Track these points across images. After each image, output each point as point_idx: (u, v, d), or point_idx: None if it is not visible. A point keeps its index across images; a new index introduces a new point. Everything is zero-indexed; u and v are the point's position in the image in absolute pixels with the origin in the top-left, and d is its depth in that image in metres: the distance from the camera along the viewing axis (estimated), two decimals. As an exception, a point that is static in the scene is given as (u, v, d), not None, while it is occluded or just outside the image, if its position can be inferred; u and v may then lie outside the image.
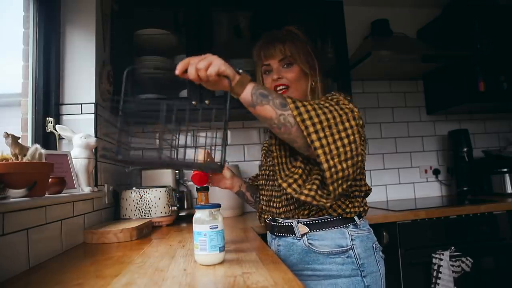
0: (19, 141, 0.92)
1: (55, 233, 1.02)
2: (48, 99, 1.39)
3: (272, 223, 1.07)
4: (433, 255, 1.60)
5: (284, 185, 0.90)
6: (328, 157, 0.78)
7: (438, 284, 1.57)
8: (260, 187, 1.17)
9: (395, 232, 1.63)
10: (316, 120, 0.79)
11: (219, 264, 0.80)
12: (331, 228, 0.97)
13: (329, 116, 0.80)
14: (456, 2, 2.20)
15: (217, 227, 0.80)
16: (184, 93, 1.83)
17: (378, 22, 2.25)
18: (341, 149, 0.79)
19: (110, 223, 1.38)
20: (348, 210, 0.97)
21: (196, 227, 0.81)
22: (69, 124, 1.40)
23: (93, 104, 1.45)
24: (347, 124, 0.81)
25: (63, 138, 1.37)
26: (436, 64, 2.17)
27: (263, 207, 1.12)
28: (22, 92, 1.36)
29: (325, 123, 0.79)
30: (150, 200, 1.52)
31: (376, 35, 2.20)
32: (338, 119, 0.80)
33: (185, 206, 1.93)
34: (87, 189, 1.27)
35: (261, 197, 1.14)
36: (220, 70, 0.79)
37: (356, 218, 0.99)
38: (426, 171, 2.41)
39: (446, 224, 1.69)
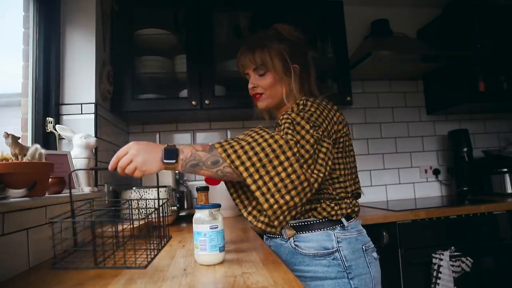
0: (19, 141, 0.92)
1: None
2: (48, 99, 1.39)
3: None
4: (433, 255, 1.60)
5: (245, 214, 0.94)
6: (267, 196, 0.79)
7: (438, 284, 1.57)
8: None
9: (395, 232, 1.64)
10: (248, 164, 0.79)
11: (219, 264, 0.80)
12: (317, 230, 0.97)
13: (262, 155, 0.79)
14: (456, 2, 2.20)
15: (217, 227, 0.80)
16: (184, 93, 1.83)
17: (378, 22, 2.25)
18: (279, 184, 0.79)
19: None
20: (333, 212, 0.97)
21: (196, 227, 0.81)
22: (69, 124, 1.40)
23: (93, 104, 1.45)
24: (282, 158, 0.79)
25: (63, 138, 1.37)
26: (436, 64, 2.17)
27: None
28: (22, 92, 1.36)
29: (258, 164, 0.79)
30: (150, 200, 1.52)
31: (376, 35, 2.20)
32: (271, 155, 0.79)
33: (185, 206, 1.93)
34: (87, 189, 1.27)
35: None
36: (141, 171, 0.80)
37: (343, 220, 0.98)
38: (426, 171, 2.41)
39: (446, 224, 1.69)
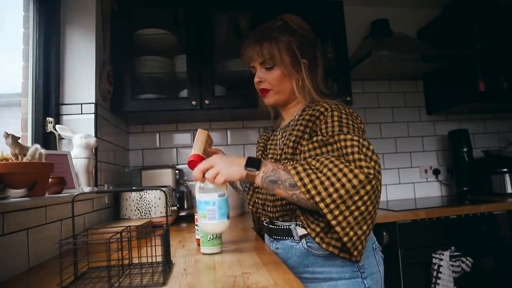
0: (19, 141, 0.92)
1: (55, 233, 1.02)
2: (48, 99, 1.39)
3: (270, 226, 1.04)
4: (433, 255, 1.60)
5: (313, 234, 0.90)
6: (347, 230, 0.78)
7: (438, 284, 1.57)
8: (255, 190, 1.13)
9: (395, 232, 1.64)
10: (329, 200, 0.77)
11: (219, 264, 0.80)
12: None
13: (342, 192, 0.77)
14: (456, 2, 2.20)
15: (225, 195, 0.80)
16: (184, 93, 1.83)
17: (378, 22, 2.25)
18: (359, 218, 0.79)
19: (110, 223, 1.38)
20: None
21: (203, 196, 0.81)
22: (69, 124, 1.40)
23: (93, 104, 1.45)
24: (362, 192, 0.77)
25: (63, 138, 1.37)
26: (436, 64, 2.17)
27: (259, 210, 1.10)
28: (22, 92, 1.36)
29: (338, 201, 0.77)
30: (150, 200, 1.52)
31: (376, 35, 2.20)
32: (352, 191, 0.77)
33: (185, 206, 1.93)
34: (87, 189, 1.27)
35: (256, 200, 1.12)
36: (227, 179, 0.82)
37: None
38: (426, 171, 2.41)
39: (446, 224, 1.69)
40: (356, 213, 0.78)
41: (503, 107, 2.34)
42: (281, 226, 1.00)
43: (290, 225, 0.97)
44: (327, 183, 0.77)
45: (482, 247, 1.68)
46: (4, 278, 0.77)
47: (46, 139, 1.36)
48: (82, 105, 1.45)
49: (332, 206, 0.77)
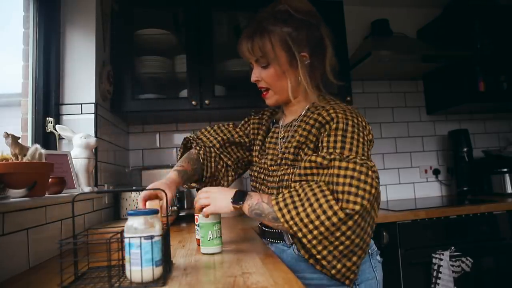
0: (19, 141, 0.92)
1: (55, 233, 1.02)
2: (48, 99, 1.39)
3: (264, 228, 1.03)
4: (433, 255, 1.60)
5: (311, 261, 0.88)
6: (334, 263, 0.78)
7: (438, 284, 1.57)
8: (252, 190, 1.08)
9: (395, 232, 1.64)
10: (310, 236, 0.76)
11: (219, 264, 0.80)
12: None
13: (322, 229, 0.75)
14: (456, 2, 2.20)
15: (154, 238, 0.65)
16: (184, 93, 1.83)
17: (378, 22, 2.25)
18: (345, 251, 0.78)
19: (110, 223, 1.38)
20: None
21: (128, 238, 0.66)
22: (69, 124, 1.40)
23: (93, 104, 1.45)
24: (344, 228, 0.75)
25: (63, 138, 1.37)
26: (436, 64, 2.17)
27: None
28: (22, 92, 1.36)
29: (320, 237, 0.76)
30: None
31: (376, 35, 2.20)
32: (332, 228, 0.75)
33: (185, 206, 1.93)
34: (87, 189, 1.27)
35: None
36: (215, 212, 0.88)
37: None
38: (426, 171, 2.41)
39: (446, 224, 1.69)
40: (341, 247, 0.77)
41: (503, 107, 2.34)
42: (273, 230, 0.97)
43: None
44: (306, 220, 0.76)
45: (482, 247, 1.68)
46: (4, 278, 0.77)
47: (46, 139, 1.36)
48: (82, 105, 1.45)
49: (314, 242, 0.76)
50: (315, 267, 0.86)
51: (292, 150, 0.92)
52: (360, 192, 0.76)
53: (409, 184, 2.39)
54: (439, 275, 1.57)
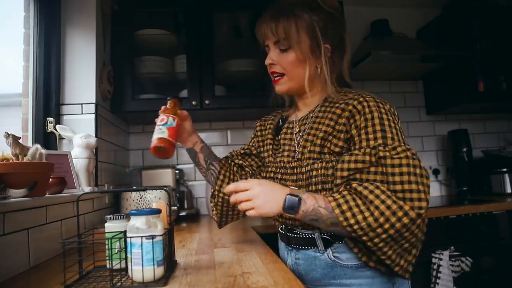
0: (20, 141, 0.92)
1: (55, 233, 1.02)
2: (49, 99, 1.39)
3: (288, 233, 0.93)
4: (433, 255, 1.61)
5: (356, 250, 0.84)
6: (397, 260, 0.78)
7: (438, 284, 1.57)
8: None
9: (394, 232, 1.63)
10: (377, 240, 0.74)
11: (219, 264, 0.80)
12: None
13: (391, 232, 0.73)
14: (455, 2, 2.21)
15: (155, 238, 0.66)
16: (184, 93, 1.83)
17: (378, 22, 2.25)
18: (409, 248, 0.79)
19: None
20: None
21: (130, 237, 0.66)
22: (70, 124, 1.40)
23: (94, 104, 1.45)
24: (413, 228, 0.75)
25: (64, 138, 1.37)
26: (435, 64, 2.17)
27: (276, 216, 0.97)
28: (22, 92, 1.36)
29: (388, 239, 0.74)
30: (150, 200, 1.52)
31: (376, 35, 2.21)
32: (402, 230, 0.74)
33: (185, 206, 1.94)
34: (87, 189, 1.28)
35: None
36: (259, 213, 0.77)
37: None
38: (425, 171, 2.41)
39: (446, 224, 1.69)
40: (406, 245, 0.77)
41: (502, 107, 2.34)
42: (302, 235, 0.89)
43: (313, 234, 0.87)
44: (375, 224, 0.72)
45: (482, 247, 1.68)
46: (4, 278, 0.77)
47: (47, 139, 1.37)
48: (83, 105, 1.45)
49: (381, 244, 0.75)
50: (368, 264, 0.82)
51: (318, 142, 0.86)
52: (421, 187, 0.74)
53: (408, 184, 2.39)
54: (439, 274, 1.58)
